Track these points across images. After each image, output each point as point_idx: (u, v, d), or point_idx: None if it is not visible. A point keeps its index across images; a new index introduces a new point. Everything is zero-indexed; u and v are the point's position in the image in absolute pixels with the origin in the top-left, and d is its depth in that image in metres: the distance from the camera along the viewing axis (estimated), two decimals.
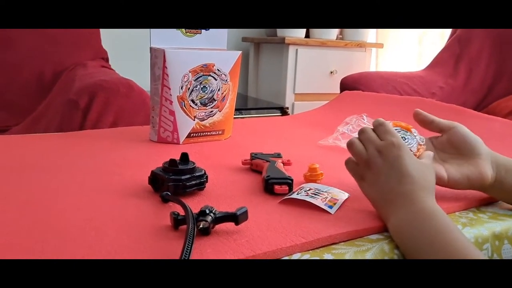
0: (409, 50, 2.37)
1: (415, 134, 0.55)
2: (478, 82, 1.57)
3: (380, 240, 0.46)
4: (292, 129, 0.99)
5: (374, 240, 0.46)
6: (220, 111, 0.82)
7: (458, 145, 0.56)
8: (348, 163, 0.54)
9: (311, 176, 0.62)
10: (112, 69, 1.50)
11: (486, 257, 0.49)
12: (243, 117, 1.72)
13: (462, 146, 0.55)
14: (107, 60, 1.59)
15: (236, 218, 0.44)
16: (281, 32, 2.09)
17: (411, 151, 0.52)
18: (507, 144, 0.77)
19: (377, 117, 0.89)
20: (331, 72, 2.13)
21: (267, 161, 0.64)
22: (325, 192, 0.55)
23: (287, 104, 2.06)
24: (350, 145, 0.53)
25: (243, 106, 1.91)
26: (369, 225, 0.48)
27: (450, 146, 0.56)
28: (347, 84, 1.48)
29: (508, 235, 0.52)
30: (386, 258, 0.44)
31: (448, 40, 1.76)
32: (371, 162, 0.50)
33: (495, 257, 0.51)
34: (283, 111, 1.85)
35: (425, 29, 2.28)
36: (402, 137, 0.53)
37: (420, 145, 0.55)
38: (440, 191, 0.56)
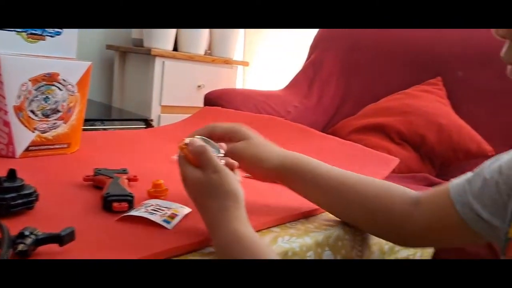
0: (271, 69, 2.53)
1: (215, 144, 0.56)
2: (328, 103, 1.74)
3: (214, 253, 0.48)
4: (149, 143, 0.98)
5: (207, 254, 0.48)
6: (65, 123, 0.77)
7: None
8: (179, 159, 0.52)
9: (156, 192, 0.62)
10: None
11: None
12: (105, 128, 1.65)
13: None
14: None
15: (60, 239, 0.42)
16: (148, 43, 2.06)
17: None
18: (339, 161, 0.86)
19: None
20: (199, 86, 2.16)
21: (111, 177, 0.62)
22: (166, 207, 0.55)
23: (153, 116, 2.03)
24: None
25: (107, 117, 1.83)
26: (200, 240, 0.50)
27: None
28: (210, 99, 1.52)
29: (329, 243, 0.59)
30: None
31: (304, 63, 1.92)
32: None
33: None
34: (148, 123, 1.81)
35: (286, 50, 2.45)
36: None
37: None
38: (274, 203, 0.61)
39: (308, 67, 1.86)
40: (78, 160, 0.77)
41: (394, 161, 0.88)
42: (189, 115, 1.21)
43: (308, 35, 2.27)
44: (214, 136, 0.57)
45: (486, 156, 1.13)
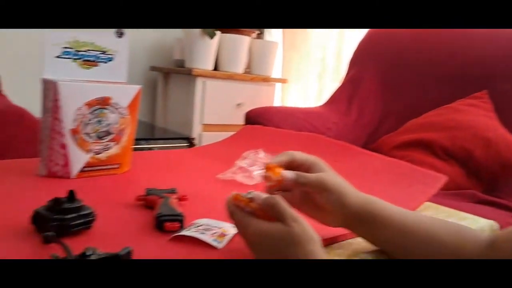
0: (310, 86, 2.53)
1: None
2: (367, 119, 1.73)
3: None
4: (194, 162, 1.00)
5: None
6: (117, 145, 0.81)
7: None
8: (234, 213, 0.50)
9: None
10: (4, 96, 1.40)
11: None
12: (150, 147, 1.70)
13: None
14: None
15: (119, 259, 0.43)
16: (189, 63, 2.12)
17: None
18: (383, 179, 0.85)
19: (274, 151, 0.95)
20: (238, 104, 2.19)
21: (161, 197, 0.64)
22: (216, 227, 0.57)
23: (195, 134, 2.08)
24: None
25: (150, 136, 1.88)
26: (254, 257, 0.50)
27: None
28: (250, 118, 1.54)
29: None
30: None
31: (343, 79, 1.91)
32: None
33: None
34: (190, 141, 1.86)
35: (324, 67, 2.46)
36: None
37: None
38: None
39: (347, 84, 1.85)
40: (129, 180, 0.80)
41: (442, 179, 0.86)
42: (229, 133, 1.24)
43: (347, 51, 2.27)
44: (294, 164, 0.55)
45: None
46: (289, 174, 0.53)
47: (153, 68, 2.30)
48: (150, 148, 1.68)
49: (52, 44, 0.73)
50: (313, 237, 0.46)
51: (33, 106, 1.11)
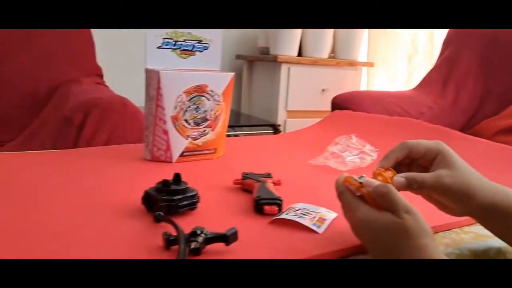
0: (399, 69, 2.42)
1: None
2: (466, 102, 1.61)
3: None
4: (284, 148, 1.01)
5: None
6: (213, 131, 0.84)
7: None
8: (343, 194, 0.49)
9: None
10: (106, 86, 1.52)
11: None
12: (235, 134, 1.74)
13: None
14: (101, 77, 1.61)
15: (226, 238, 0.45)
16: (274, 50, 2.13)
17: None
18: (491, 166, 0.79)
19: (366, 137, 0.92)
20: (323, 90, 2.16)
21: (258, 181, 0.65)
22: (314, 212, 0.57)
23: (279, 121, 2.09)
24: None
25: (236, 123, 1.93)
26: (356, 244, 0.50)
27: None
28: (338, 103, 1.51)
29: (489, 256, 0.54)
30: None
31: (437, 60, 1.80)
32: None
33: None
34: (275, 128, 1.87)
35: (415, 48, 2.33)
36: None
37: None
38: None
39: (441, 65, 1.74)
40: (225, 164, 0.83)
41: None
42: (314, 119, 1.22)
43: (438, 31, 2.12)
44: (414, 155, 0.51)
45: None
46: (400, 180, 0.49)
47: (238, 57, 2.34)
48: (235, 135, 1.72)
49: (154, 36, 0.77)
50: (426, 230, 0.43)
51: (129, 95, 1.19)
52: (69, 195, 0.61)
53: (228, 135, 1.61)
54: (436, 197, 0.51)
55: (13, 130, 1.35)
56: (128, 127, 1.07)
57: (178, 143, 0.80)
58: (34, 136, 1.25)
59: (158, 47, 0.79)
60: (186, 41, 0.81)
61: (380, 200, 0.45)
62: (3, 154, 0.84)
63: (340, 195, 0.49)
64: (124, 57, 2.04)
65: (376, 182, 0.47)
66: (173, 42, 0.80)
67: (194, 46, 0.82)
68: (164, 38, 0.79)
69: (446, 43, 1.80)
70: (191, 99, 0.79)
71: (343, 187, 0.49)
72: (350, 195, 0.48)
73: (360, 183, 0.47)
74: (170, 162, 0.80)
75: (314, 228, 0.52)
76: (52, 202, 0.58)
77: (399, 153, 0.51)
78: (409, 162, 0.52)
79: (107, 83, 1.58)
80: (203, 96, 0.80)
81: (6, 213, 0.54)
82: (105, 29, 1.96)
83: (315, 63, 2.15)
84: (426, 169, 0.51)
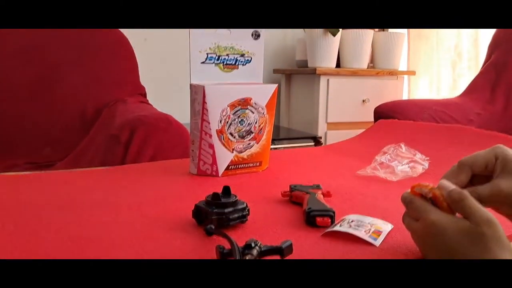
0: (442, 76, 2.34)
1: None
2: None
3: None
4: (328, 159, 0.99)
5: None
6: (257, 143, 0.83)
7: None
8: (413, 200, 0.46)
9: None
10: (150, 104, 1.55)
11: None
12: (276, 148, 1.73)
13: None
14: (145, 95, 1.65)
15: (281, 251, 0.44)
16: (312, 63, 2.11)
17: None
18: None
19: (415, 146, 0.89)
20: (363, 101, 2.12)
21: (307, 193, 0.64)
22: (368, 223, 0.54)
23: (320, 133, 2.06)
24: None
25: (276, 137, 1.92)
26: (416, 257, 0.47)
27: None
28: (381, 113, 1.48)
29: None
30: None
31: (483, 65, 1.73)
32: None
33: None
34: (317, 140, 1.85)
35: (458, 54, 2.25)
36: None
37: None
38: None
39: (489, 70, 1.67)
40: (271, 177, 0.82)
41: None
42: (355, 130, 1.19)
43: (484, 33, 2.05)
44: (477, 171, 0.48)
45: None
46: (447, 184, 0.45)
47: (276, 71, 2.35)
48: (276, 148, 1.71)
49: (198, 51, 0.78)
50: (506, 243, 0.40)
51: (172, 112, 1.21)
52: (121, 211, 0.62)
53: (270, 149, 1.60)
54: (500, 210, 0.47)
55: (62, 150, 1.40)
56: (173, 143, 1.09)
57: (224, 157, 0.79)
58: (82, 155, 1.29)
59: (202, 62, 0.80)
60: (229, 55, 0.82)
61: (454, 205, 0.43)
62: (54, 172, 0.87)
63: (409, 203, 0.46)
64: (166, 76, 2.09)
65: (451, 186, 0.44)
66: (216, 57, 0.80)
67: (237, 60, 0.83)
68: (208, 53, 0.80)
69: (492, 47, 1.73)
70: (235, 112, 0.79)
71: (411, 196, 0.46)
72: (420, 199, 0.45)
73: (432, 185, 0.45)
74: (216, 176, 0.80)
75: (370, 240, 0.50)
76: (106, 218, 0.59)
77: (463, 177, 0.47)
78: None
79: (150, 102, 1.62)
80: (247, 109, 0.80)
81: (62, 230, 0.55)
82: (147, 51, 2.02)
83: (354, 74, 2.12)
84: (490, 179, 0.48)
